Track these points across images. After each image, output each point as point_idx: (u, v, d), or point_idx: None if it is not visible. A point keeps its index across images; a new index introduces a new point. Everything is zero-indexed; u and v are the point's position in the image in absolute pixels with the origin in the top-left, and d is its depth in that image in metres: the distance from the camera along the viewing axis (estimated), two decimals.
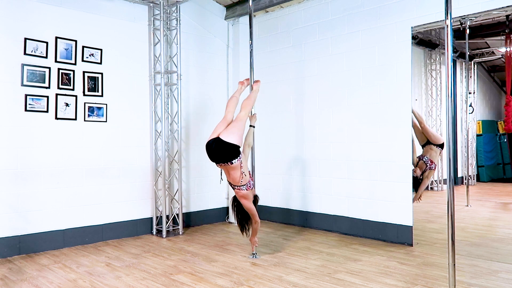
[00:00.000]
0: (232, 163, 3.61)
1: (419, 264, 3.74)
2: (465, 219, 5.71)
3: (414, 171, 5.52)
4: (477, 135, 9.86)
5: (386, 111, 4.64)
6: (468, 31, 6.25)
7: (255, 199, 3.94)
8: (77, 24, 4.64)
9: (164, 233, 4.99)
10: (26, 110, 4.28)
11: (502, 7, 3.83)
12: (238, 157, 3.63)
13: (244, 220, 3.92)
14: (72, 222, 4.58)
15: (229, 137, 3.59)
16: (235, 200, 3.92)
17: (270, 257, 4.04)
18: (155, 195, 5.17)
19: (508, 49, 6.53)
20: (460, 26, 5.33)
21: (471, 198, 6.96)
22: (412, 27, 4.42)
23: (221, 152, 3.58)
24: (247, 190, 3.77)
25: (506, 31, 6.44)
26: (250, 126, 4.17)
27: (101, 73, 4.81)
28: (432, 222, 5.63)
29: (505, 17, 5.90)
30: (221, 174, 3.97)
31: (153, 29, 5.20)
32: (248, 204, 3.81)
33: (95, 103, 4.76)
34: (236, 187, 3.76)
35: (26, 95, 4.28)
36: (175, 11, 5.22)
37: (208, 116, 5.86)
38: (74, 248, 4.51)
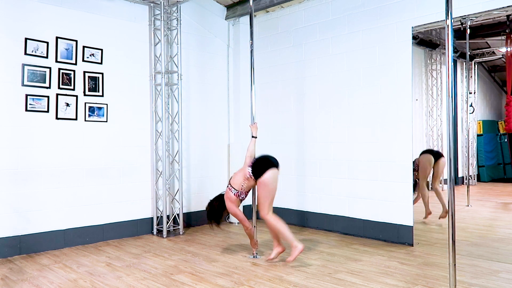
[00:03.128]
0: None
1: (419, 264, 3.74)
2: (465, 219, 5.71)
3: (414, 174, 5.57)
4: (478, 135, 9.87)
5: (387, 111, 4.64)
6: (468, 31, 6.25)
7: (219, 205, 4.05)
8: (77, 24, 4.64)
9: (164, 233, 4.99)
10: (26, 110, 4.28)
11: (503, 7, 3.83)
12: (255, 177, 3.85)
13: (212, 216, 4.06)
14: (73, 222, 4.58)
15: None
16: (218, 198, 4.06)
17: None
18: (155, 195, 5.17)
19: (508, 49, 6.53)
20: (460, 26, 5.33)
21: (472, 198, 6.96)
22: (412, 27, 4.42)
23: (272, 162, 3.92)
24: (235, 196, 3.90)
25: (507, 31, 6.44)
26: (253, 137, 4.18)
27: (102, 73, 4.81)
28: (433, 222, 5.63)
29: (505, 17, 5.90)
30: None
31: (153, 29, 5.20)
32: (231, 208, 3.92)
33: (96, 103, 4.77)
34: (230, 186, 3.92)
35: (26, 95, 4.28)
36: (176, 11, 5.22)
37: (208, 116, 5.86)
38: (75, 248, 4.51)
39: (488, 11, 3.92)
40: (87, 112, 4.70)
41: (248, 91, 5.82)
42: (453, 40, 2.78)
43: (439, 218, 5.54)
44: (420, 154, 5.78)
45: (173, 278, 3.45)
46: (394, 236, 4.56)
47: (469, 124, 8.85)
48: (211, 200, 4.13)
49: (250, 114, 4.33)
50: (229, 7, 6.02)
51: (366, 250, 4.25)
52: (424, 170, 5.64)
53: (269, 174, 3.77)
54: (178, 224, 5.24)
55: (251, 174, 3.82)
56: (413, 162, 5.65)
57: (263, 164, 3.83)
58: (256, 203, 4.02)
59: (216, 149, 5.94)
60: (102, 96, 4.81)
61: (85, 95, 4.68)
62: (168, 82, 5.25)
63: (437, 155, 5.74)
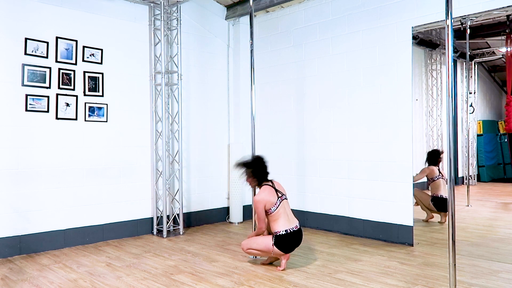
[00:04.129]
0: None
1: (419, 264, 3.74)
2: (465, 219, 5.71)
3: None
4: (478, 135, 9.87)
5: (387, 111, 4.64)
6: (468, 31, 6.25)
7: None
8: (77, 24, 4.64)
9: (164, 233, 4.99)
10: (26, 110, 4.28)
11: (503, 7, 3.83)
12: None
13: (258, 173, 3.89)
14: (73, 222, 4.58)
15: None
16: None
17: None
18: (155, 195, 5.17)
19: (508, 49, 6.53)
20: (460, 26, 5.34)
21: (472, 198, 6.96)
22: (412, 27, 4.42)
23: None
24: (268, 210, 3.67)
25: (507, 31, 6.44)
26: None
27: (102, 73, 4.81)
28: (433, 222, 5.64)
29: (505, 17, 5.90)
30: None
31: (153, 29, 5.20)
32: (258, 206, 3.67)
33: (96, 103, 4.77)
34: (280, 199, 3.73)
35: (26, 95, 4.28)
36: (176, 11, 5.22)
37: (208, 116, 5.86)
38: (75, 248, 4.51)
39: (488, 11, 3.92)
40: (87, 112, 4.70)
41: (248, 91, 5.83)
42: (453, 40, 2.78)
43: (439, 222, 5.55)
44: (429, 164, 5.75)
45: (173, 278, 3.45)
46: (394, 236, 4.56)
47: (469, 124, 8.85)
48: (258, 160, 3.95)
49: (250, 114, 4.33)
50: (229, 7, 6.02)
51: (366, 250, 4.25)
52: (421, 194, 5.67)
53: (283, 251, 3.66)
54: (178, 224, 5.24)
55: (274, 245, 3.62)
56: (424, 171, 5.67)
57: (292, 244, 3.66)
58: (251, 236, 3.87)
59: (216, 149, 5.94)
60: (102, 96, 4.81)
61: (85, 95, 4.68)
62: (168, 82, 5.25)
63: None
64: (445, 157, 5.80)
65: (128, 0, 5.02)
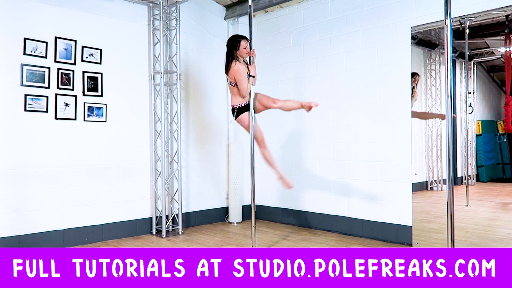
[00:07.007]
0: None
1: None
2: (464, 219, 5.71)
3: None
4: (477, 135, 9.84)
5: (386, 111, 4.64)
6: (467, 31, 6.25)
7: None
8: (76, 24, 4.64)
9: (163, 233, 4.99)
10: (25, 110, 4.28)
11: (502, 7, 3.84)
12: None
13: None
14: (72, 222, 4.58)
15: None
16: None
17: None
18: (154, 195, 5.17)
19: (507, 49, 6.52)
20: (459, 26, 5.33)
21: (471, 198, 6.95)
22: (411, 27, 4.43)
23: None
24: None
25: (506, 31, 6.43)
26: (250, 76, 4.08)
27: (101, 73, 4.81)
28: (432, 222, 5.62)
29: (504, 17, 5.90)
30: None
31: (152, 29, 5.20)
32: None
33: (95, 103, 4.76)
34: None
35: (25, 95, 4.27)
36: (175, 11, 5.22)
37: (207, 116, 5.86)
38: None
39: (487, 11, 3.93)
40: (86, 112, 4.70)
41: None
42: (452, 40, 2.78)
43: None
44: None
45: None
46: (393, 236, 4.56)
47: (468, 124, 8.85)
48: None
49: (249, 114, 4.32)
50: (228, 7, 6.02)
51: None
52: None
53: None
54: (177, 224, 5.23)
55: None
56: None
57: None
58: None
59: (215, 149, 5.93)
60: (101, 96, 4.81)
61: (84, 95, 4.68)
62: (167, 82, 5.25)
63: None
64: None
65: (127, 0, 5.02)
